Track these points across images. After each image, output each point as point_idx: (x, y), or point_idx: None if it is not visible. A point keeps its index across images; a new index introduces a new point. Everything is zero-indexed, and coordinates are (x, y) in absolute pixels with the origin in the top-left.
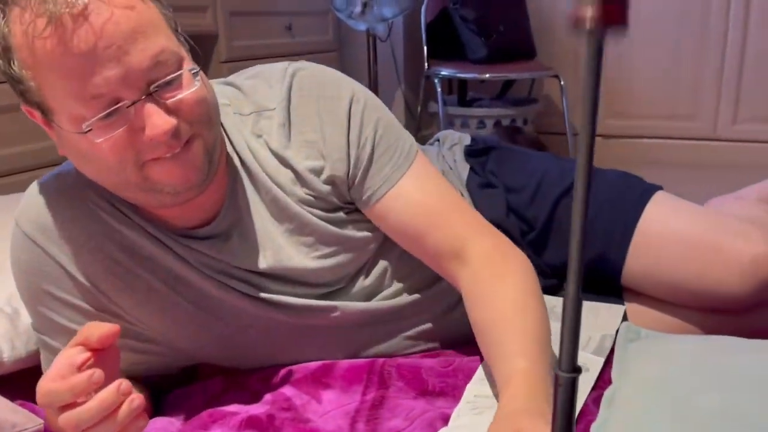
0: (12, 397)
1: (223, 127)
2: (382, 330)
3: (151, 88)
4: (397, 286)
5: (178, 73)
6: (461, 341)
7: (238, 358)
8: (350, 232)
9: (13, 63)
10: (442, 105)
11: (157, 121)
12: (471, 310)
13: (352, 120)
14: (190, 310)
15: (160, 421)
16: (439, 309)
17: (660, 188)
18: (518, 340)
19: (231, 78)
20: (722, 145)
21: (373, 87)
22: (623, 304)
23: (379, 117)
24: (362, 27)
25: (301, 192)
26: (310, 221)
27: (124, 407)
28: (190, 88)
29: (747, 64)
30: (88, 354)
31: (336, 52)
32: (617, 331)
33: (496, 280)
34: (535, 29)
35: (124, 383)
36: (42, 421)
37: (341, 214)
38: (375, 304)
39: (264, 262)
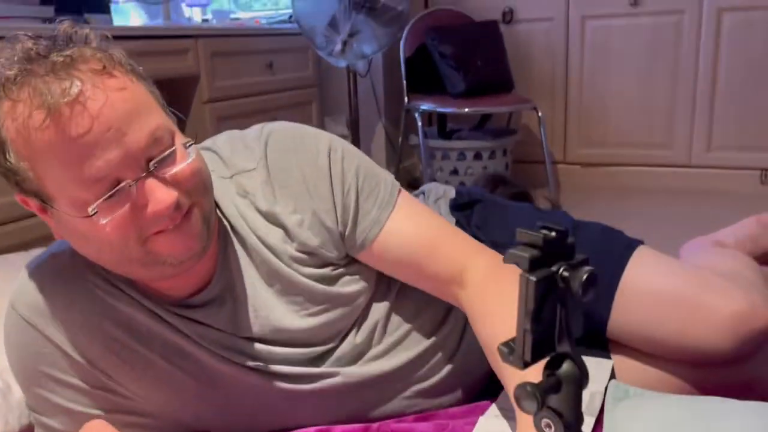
0: None
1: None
2: (378, 393)
3: (151, 165)
4: (388, 341)
5: (174, 148)
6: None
7: (237, 425)
8: (339, 288)
9: (9, 155)
10: (422, 137)
11: (161, 195)
12: (478, 328)
13: (333, 169)
14: (189, 382)
15: None
16: (423, 374)
17: (641, 242)
18: None
19: (206, 143)
20: (697, 172)
21: (354, 121)
22: (610, 358)
23: (359, 164)
24: (342, 64)
25: (292, 249)
26: (300, 281)
27: None
28: (186, 160)
29: (719, 93)
30: None
31: (316, 87)
32: (606, 388)
33: (498, 296)
34: (512, 62)
35: None
36: None
37: (330, 271)
38: (369, 367)
39: (257, 326)
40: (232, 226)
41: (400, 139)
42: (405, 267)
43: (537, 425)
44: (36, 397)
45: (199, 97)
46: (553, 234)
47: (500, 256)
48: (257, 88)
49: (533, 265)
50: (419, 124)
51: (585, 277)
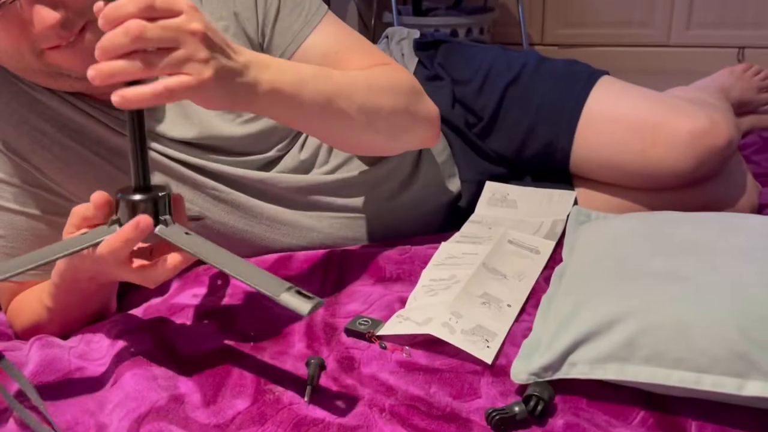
0: None
1: None
2: (319, 210)
3: None
4: (334, 162)
5: None
6: (408, 233)
7: None
8: None
9: None
10: (396, 15)
11: (43, 14)
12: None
13: None
14: (126, 179)
15: (116, 315)
16: (382, 192)
17: (606, 73)
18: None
19: None
20: (676, 51)
21: None
22: (573, 190)
23: None
24: None
25: None
26: None
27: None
28: None
29: None
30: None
31: None
32: (568, 216)
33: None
34: None
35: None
36: None
37: None
38: (310, 177)
39: (192, 131)
40: None
41: (373, 18)
42: None
43: None
44: None
45: None
46: None
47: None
48: None
49: None
50: (393, 0)
51: None
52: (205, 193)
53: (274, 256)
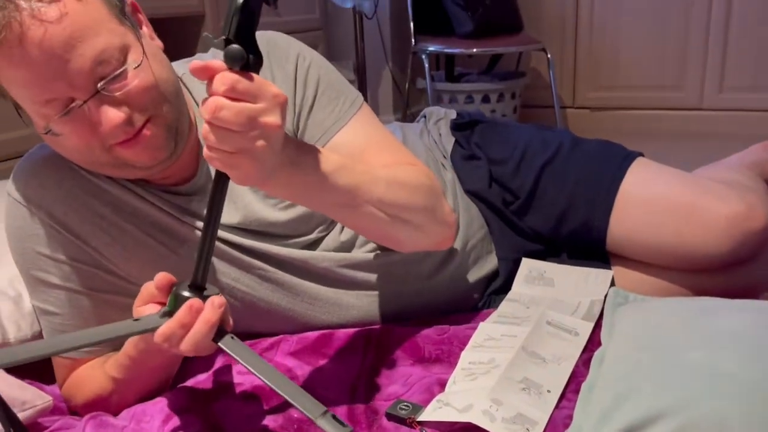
0: (20, 377)
1: (192, 94)
2: (360, 288)
3: (99, 85)
4: (372, 245)
5: (124, 67)
6: (446, 309)
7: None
8: None
9: None
10: (429, 81)
11: (109, 114)
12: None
13: (298, 74)
14: (177, 261)
15: (165, 394)
16: (421, 271)
17: (641, 154)
18: (367, 166)
19: (199, 54)
20: (709, 115)
21: (361, 65)
22: (610, 269)
23: (323, 74)
24: (349, 5)
25: None
26: None
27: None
28: (137, 77)
29: (732, 33)
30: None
31: (322, 30)
32: (606, 296)
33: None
34: (521, 2)
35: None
36: (51, 398)
37: None
38: (351, 255)
39: (237, 216)
40: None
41: (407, 83)
42: None
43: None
44: (34, 281)
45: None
46: None
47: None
48: (262, 29)
49: None
50: (426, 66)
51: None
52: (251, 272)
53: (315, 333)
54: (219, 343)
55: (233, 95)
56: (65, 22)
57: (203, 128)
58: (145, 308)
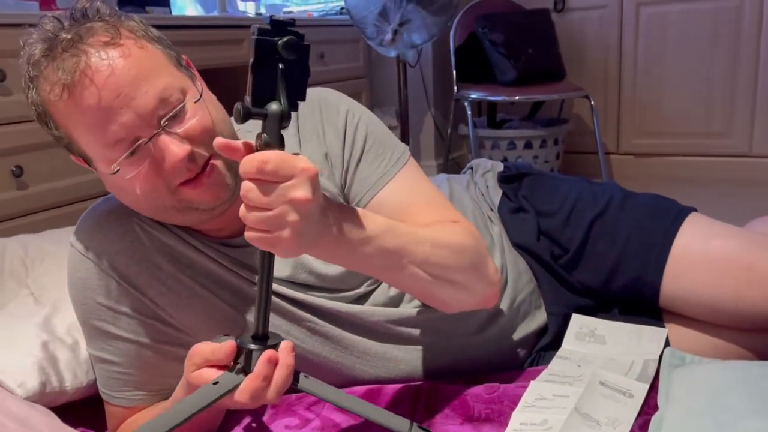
0: (74, 425)
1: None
2: (408, 343)
3: (162, 122)
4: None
5: (183, 104)
6: (494, 365)
7: None
8: None
9: (51, 124)
10: (472, 127)
11: (174, 149)
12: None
13: (347, 130)
14: (231, 313)
15: None
16: (469, 326)
17: (693, 210)
18: (410, 226)
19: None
20: (758, 162)
21: (404, 111)
22: (664, 327)
23: (371, 130)
24: (392, 54)
25: None
26: None
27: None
28: (196, 116)
29: None
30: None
31: (366, 78)
32: (661, 356)
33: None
34: (564, 50)
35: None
36: None
37: None
38: (399, 310)
39: (287, 270)
40: None
41: (449, 130)
42: None
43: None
44: (92, 330)
45: None
46: (282, 20)
47: (468, 222)
48: (310, 79)
49: (260, 32)
50: (469, 113)
51: (285, 40)
52: (301, 325)
53: (363, 388)
54: (298, 386)
55: (262, 177)
56: (130, 63)
57: (240, 210)
58: (204, 372)
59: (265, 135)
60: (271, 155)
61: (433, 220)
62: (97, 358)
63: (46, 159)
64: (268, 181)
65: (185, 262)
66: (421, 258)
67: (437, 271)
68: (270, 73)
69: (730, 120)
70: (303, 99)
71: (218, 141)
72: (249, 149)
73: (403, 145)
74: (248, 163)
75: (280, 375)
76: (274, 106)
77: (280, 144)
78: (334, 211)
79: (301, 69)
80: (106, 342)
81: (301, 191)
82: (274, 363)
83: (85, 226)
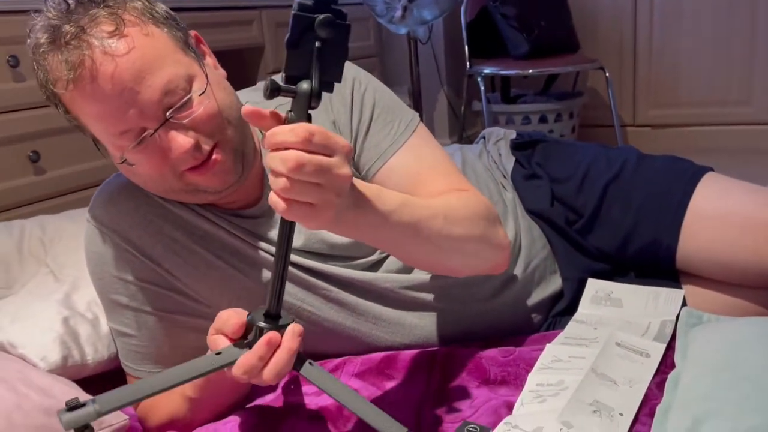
0: None
1: None
2: (422, 308)
3: (168, 114)
4: None
5: (189, 95)
6: (509, 331)
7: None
8: None
9: (61, 109)
10: (485, 103)
11: (179, 140)
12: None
13: (354, 99)
14: (247, 283)
15: (235, 413)
16: (484, 291)
17: (710, 169)
18: (424, 199)
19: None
20: None
21: (416, 89)
22: (681, 288)
23: (379, 98)
24: (403, 31)
25: None
26: None
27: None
28: (202, 104)
29: None
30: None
31: (377, 57)
32: (678, 317)
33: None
34: (577, 22)
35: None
36: (127, 417)
37: None
38: (412, 276)
39: (300, 239)
40: None
41: (462, 107)
42: None
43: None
44: (110, 304)
45: (264, 67)
46: None
47: (474, 191)
48: None
49: (300, 8)
50: (482, 88)
51: (322, 18)
52: (316, 293)
53: (380, 355)
54: (300, 372)
55: (310, 148)
56: (134, 56)
57: (273, 181)
58: (217, 339)
59: (292, 113)
60: (315, 128)
61: (443, 189)
62: (117, 331)
63: (62, 144)
64: (313, 152)
65: (199, 234)
66: (436, 230)
67: (450, 242)
68: (305, 50)
69: (749, 87)
70: (339, 80)
71: (246, 108)
72: (278, 120)
73: (412, 111)
74: (292, 132)
75: (280, 357)
76: (304, 86)
77: (307, 121)
78: (355, 188)
79: (339, 49)
80: (124, 315)
81: (345, 168)
82: (273, 345)
83: (100, 201)
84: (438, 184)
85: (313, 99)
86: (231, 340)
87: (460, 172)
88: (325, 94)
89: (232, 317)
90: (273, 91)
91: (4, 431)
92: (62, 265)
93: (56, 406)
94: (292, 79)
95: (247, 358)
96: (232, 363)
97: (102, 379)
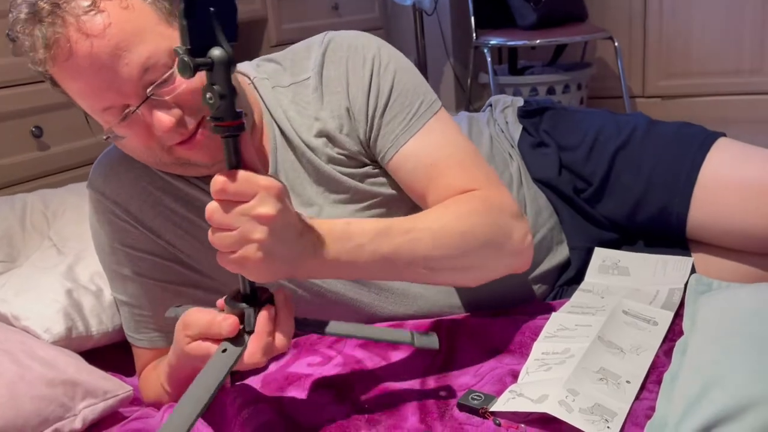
0: (103, 369)
1: (262, 99)
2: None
3: (148, 91)
4: None
5: (169, 72)
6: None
7: (304, 310)
8: (380, 188)
9: (52, 82)
10: (492, 75)
11: (160, 118)
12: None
13: (372, 81)
14: None
15: (238, 385)
16: None
17: (723, 134)
18: (410, 219)
19: (274, 54)
20: None
21: (422, 62)
22: (690, 256)
23: (399, 79)
24: (408, 2)
25: (333, 152)
26: (342, 180)
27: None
28: (184, 81)
29: None
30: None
31: (383, 29)
32: (686, 284)
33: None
34: None
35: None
36: (131, 388)
37: (370, 169)
38: None
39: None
40: (281, 131)
41: (469, 79)
42: (412, 191)
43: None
44: (112, 274)
45: (267, 40)
46: None
47: (502, 192)
48: (324, 31)
49: None
50: (489, 60)
51: None
52: None
53: (385, 325)
54: (299, 328)
55: (226, 197)
56: (110, 34)
57: (208, 235)
58: (203, 343)
59: (217, 86)
60: (231, 175)
61: (458, 186)
62: (119, 300)
63: (65, 119)
64: (231, 201)
65: (198, 205)
66: (422, 254)
67: (441, 263)
68: (203, 17)
69: (762, 56)
70: (235, 40)
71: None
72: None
73: (432, 95)
74: (212, 186)
75: (284, 323)
76: (216, 52)
77: (233, 94)
78: (314, 233)
79: (229, 7)
80: (126, 284)
81: (263, 208)
82: (273, 317)
83: (100, 172)
84: (454, 179)
85: (231, 64)
86: (217, 341)
87: (482, 164)
88: (343, 77)
89: (219, 322)
90: (194, 69)
91: (8, 402)
92: (65, 238)
93: (59, 378)
94: (199, 51)
95: (258, 340)
96: (243, 351)
97: (106, 350)
